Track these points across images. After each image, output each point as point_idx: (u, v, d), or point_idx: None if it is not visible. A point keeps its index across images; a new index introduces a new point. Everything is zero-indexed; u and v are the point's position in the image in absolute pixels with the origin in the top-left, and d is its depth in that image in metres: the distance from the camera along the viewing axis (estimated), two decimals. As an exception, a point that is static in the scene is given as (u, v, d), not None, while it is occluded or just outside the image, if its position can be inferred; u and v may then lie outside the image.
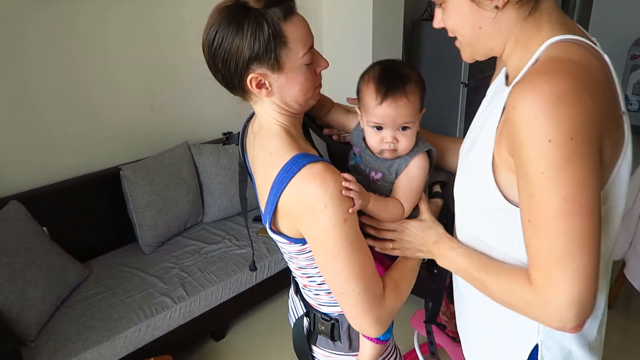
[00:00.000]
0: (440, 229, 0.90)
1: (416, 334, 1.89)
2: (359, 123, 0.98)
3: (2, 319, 1.68)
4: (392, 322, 1.02)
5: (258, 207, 0.96)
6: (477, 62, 0.81)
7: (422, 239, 0.90)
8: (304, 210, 0.80)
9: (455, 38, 0.78)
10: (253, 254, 1.31)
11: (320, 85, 0.89)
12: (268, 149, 0.86)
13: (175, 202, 2.39)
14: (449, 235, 0.89)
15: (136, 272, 2.17)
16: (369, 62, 3.18)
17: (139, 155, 2.46)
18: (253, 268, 1.31)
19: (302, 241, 0.87)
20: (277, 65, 0.80)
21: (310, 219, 0.80)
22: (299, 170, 0.79)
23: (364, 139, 0.96)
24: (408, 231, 0.91)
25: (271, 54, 0.79)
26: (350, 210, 0.80)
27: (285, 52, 0.80)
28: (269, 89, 0.83)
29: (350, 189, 0.80)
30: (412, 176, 0.93)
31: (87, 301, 1.97)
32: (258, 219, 2.58)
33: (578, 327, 0.65)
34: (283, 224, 0.87)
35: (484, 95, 0.88)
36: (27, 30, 2.07)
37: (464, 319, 0.93)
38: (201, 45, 0.85)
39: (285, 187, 0.81)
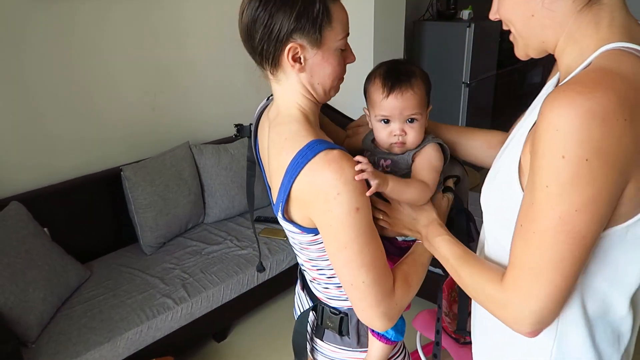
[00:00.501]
0: (433, 214, 0.90)
1: (419, 335, 1.88)
2: (370, 131, 1.00)
3: (3, 320, 1.68)
4: (404, 324, 1.01)
5: (270, 200, 0.94)
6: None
7: (413, 219, 0.90)
8: (316, 198, 0.79)
9: (509, 33, 0.76)
10: (260, 255, 1.28)
11: (342, 79, 0.90)
12: (284, 134, 0.85)
13: (176, 203, 2.38)
14: (440, 222, 0.90)
15: (137, 273, 2.16)
16: (370, 62, 3.17)
17: (140, 156, 2.46)
18: (260, 269, 1.30)
19: (315, 231, 0.86)
20: (319, 40, 0.81)
21: (322, 207, 0.79)
22: (314, 156, 0.78)
23: (372, 140, 0.98)
24: (401, 208, 0.91)
25: (316, 27, 0.80)
26: (367, 193, 0.80)
27: (328, 29, 0.81)
28: (303, 64, 0.83)
29: (364, 170, 0.79)
30: (429, 155, 0.93)
31: (88, 302, 1.97)
32: (259, 219, 2.58)
33: (533, 334, 0.69)
34: (296, 212, 0.86)
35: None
36: (28, 30, 2.06)
37: (478, 321, 0.91)
38: (240, 11, 0.83)
39: (299, 173, 0.80)
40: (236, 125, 1.05)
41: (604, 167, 0.58)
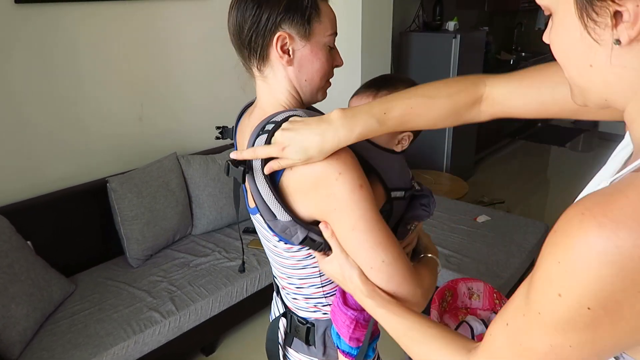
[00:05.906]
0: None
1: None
2: None
3: (-16, 337, 1.63)
4: (377, 341, 0.98)
5: (247, 206, 0.91)
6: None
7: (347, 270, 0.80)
8: (316, 184, 0.76)
9: None
10: (243, 253, 1.27)
11: (330, 83, 0.90)
12: None
13: (163, 214, 2.35)
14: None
15: (123, 286, 2.12)
16: (358, 73, 3.17)
17: (126, 167, 2.43)
18: (242, 269, 1.28)
19: (290, 243, 0.83)
20: (307, 30, 0.81)
21: (324, 192, 0.76)
22: None
23: None
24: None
25: (305, 17, 0.80)
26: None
27: (317, 22, 0.82)
28: (291, 56, 0.82)
29: None
30: None
31: (73, 317, 1.92)
32: (248, 230, 2.56)
33: None
34: (299, 205, 0.79)
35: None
36: (11, 38, 2.03)
37: None
38: (230, 5, 0.83)
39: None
40: (218, 128, 1.03)
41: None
